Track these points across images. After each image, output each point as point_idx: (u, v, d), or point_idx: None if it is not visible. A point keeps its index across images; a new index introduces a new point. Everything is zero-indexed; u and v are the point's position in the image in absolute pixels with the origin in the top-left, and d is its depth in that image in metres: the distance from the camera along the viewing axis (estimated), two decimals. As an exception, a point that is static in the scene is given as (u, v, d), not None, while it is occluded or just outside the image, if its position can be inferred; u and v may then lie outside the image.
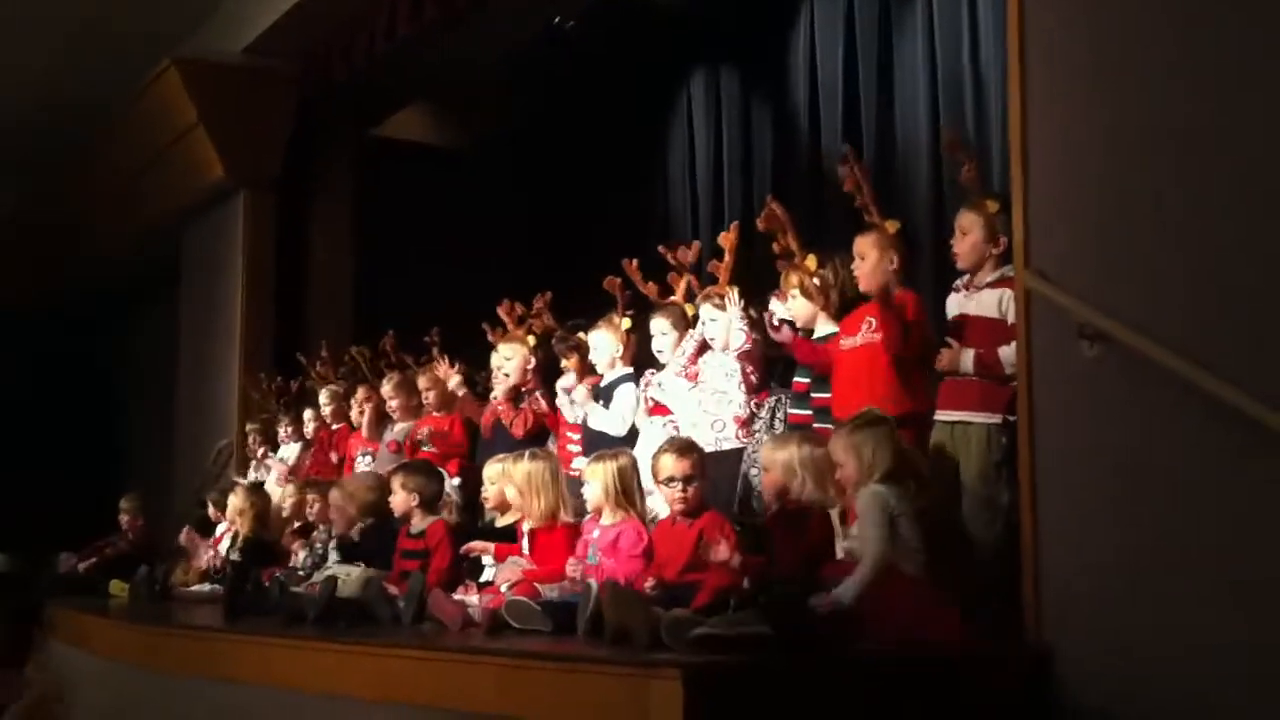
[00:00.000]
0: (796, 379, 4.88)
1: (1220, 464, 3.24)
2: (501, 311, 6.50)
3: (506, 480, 5.12)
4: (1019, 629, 3.61)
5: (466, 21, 8.15)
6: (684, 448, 4.45)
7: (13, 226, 12.62)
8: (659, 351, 5.42)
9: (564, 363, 5.90)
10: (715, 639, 3.25)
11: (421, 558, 5.27)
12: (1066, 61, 3.74)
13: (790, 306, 4.90)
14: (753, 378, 5.04)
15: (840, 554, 3.91)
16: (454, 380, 6.58)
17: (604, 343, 5.67)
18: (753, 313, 4.99)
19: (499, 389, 6.12)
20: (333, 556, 5.84)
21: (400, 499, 5.48)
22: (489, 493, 5.38)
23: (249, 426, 8.60)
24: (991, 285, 4.21)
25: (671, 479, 4.39)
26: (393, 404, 6.92)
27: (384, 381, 7.05)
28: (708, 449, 4.91)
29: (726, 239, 5.29)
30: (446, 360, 6.70)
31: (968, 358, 4.15)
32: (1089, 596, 3.48)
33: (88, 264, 12.35)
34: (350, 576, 5.07)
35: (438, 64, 9.03)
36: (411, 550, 5.36)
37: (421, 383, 6.72)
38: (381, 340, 7.54)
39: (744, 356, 5.01)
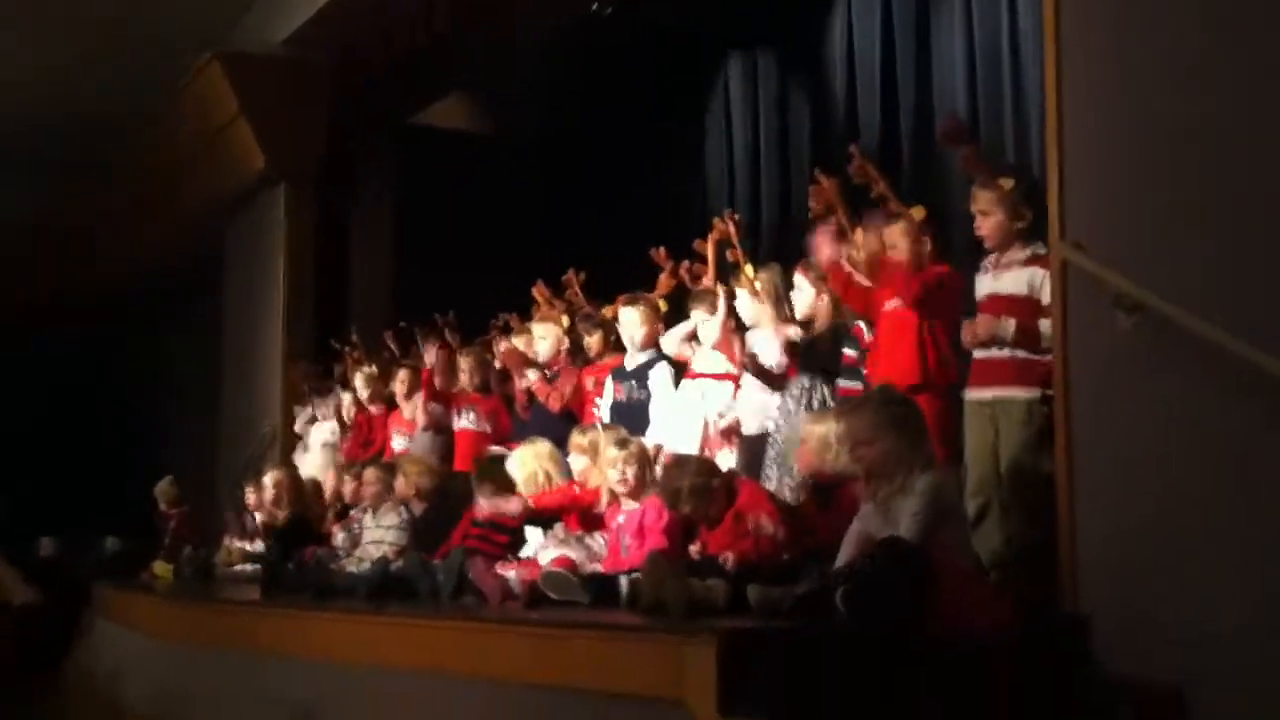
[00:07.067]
0: (846, 351, 4.80)
1: (1256, 431, 3.22)
2: (536, 292, 6.57)
3: (591, 450, 5.10)
4: (1055, 597, 3.60)
5: (505, 8, 8.19)
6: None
7: (60, 219, 12.79)
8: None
9: (586, 339, 6.03)
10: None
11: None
12: (1102, 34, 3.72)
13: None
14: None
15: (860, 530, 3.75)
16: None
17: (630, 321, 5.72)
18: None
19: (532, 371, 6.15)
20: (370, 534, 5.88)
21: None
22: (521, 475, 5.38)
23: (296, 409, 8.69)
24: (1022, 264, 4.19)
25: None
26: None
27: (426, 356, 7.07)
28: (752, 433, 5.04)
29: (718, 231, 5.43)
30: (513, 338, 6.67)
31: (1009, 326, 4.12)
32: (1125, 564, 3.47)
33: (134, 257, 12.51)
34: None
35: (476, 52, 9.07)
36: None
37: (464, 364, 6.76)
38: (434, 319, 7.48)
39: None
